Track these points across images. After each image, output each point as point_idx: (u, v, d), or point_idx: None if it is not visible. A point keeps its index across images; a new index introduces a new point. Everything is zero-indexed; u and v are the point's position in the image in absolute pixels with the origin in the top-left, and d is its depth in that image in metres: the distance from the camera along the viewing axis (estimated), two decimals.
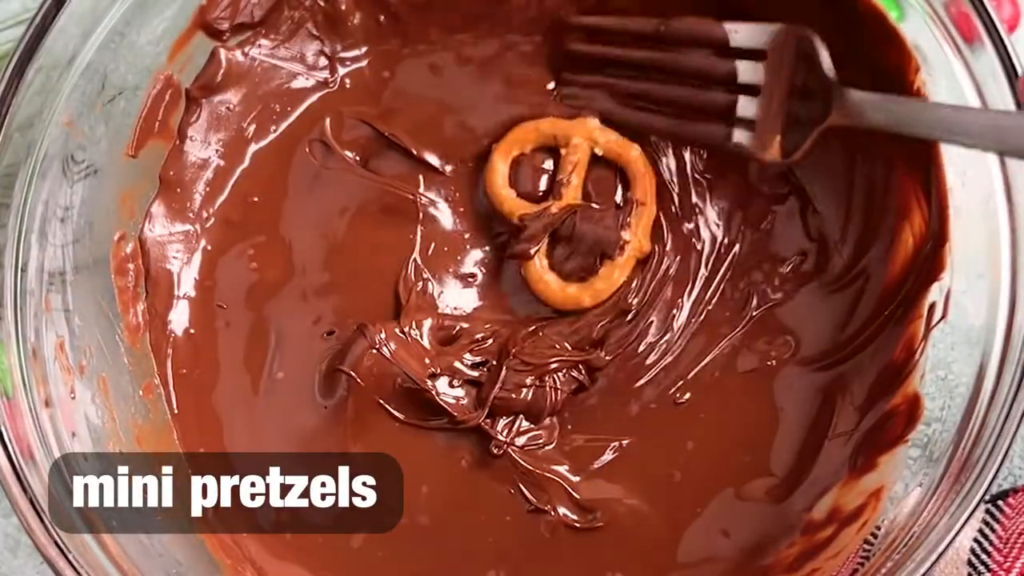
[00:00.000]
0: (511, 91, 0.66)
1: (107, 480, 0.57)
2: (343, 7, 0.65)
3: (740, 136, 0.58)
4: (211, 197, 0.66)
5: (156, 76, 0.62)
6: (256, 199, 0.66)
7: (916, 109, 0.52)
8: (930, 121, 0.51)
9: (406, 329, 0.63)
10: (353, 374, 0.62)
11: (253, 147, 0.66)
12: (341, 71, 0.67)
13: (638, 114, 0.62)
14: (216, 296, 0.65)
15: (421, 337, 0.63)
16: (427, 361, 0.63)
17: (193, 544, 0.60)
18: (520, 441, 0.62)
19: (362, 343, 0.62)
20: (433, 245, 0.65)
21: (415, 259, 0.65)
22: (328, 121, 0.67)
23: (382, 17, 0.66)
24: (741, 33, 0.58)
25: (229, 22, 0.63)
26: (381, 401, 0.62)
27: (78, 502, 0.54)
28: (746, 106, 0.58)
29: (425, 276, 0.65)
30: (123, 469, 0.58)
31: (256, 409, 0.63)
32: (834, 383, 0.61)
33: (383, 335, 0.62)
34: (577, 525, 0.61)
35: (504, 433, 0.62)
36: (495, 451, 0.62)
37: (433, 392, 0.62)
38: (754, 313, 0.63)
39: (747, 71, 0.58)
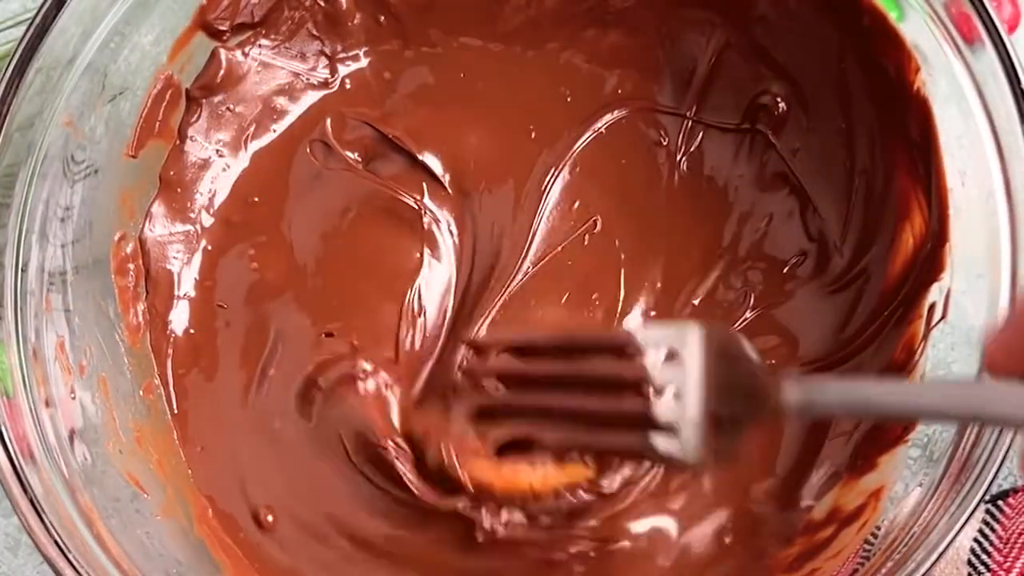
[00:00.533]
0: (512, 92, 0.67)
1: (107, 480, 0.57)
2: (343, 7, 0.66)
3: (664, 444, 0.49)
4: (211, 197, 0.66)
5: (156, 76, 0.62)
6: (256, 199, 0.66)
7: (870, 392, 0.46)
8: (891, 404, 0.46)
9: (391, 387, 0.62)
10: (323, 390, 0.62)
11: (253, 147, 0.66)
12: (342, 72, 0.67)
13: (555, 434, 0.52)
14: (216, 296, 0.65)
15: (412, 387, 0.63)
16: (397, 420, 0.62)
17: (193, 544, 0.60)
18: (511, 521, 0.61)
19: (344, 366, 0.62)
20: (430, 277, 0.65)
21: (419, 287, 0.64)
22: (329, 122, 0.67)
23: (382, 17, 0.66)
24: (651, 336, 0.50)
25: (229, 22, 0.63)
26: (342, 436, 0.62)
27: (78, 502, 0.54)
28: (666, 409, 0.48)
29: (423, 319, 0.64)
30: (123, 469, 0.58)
31: (250, 407, 0.64)
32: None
33: (369, 368, 0.62)
34: (593, 554, 0.61)
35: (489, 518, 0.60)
36: (479, 537, 0.60)
37: (392, 457, 0.61)
38: (748, 314, 0.63)
39: (663, 373, 0.49)
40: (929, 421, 0.49)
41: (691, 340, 0.48)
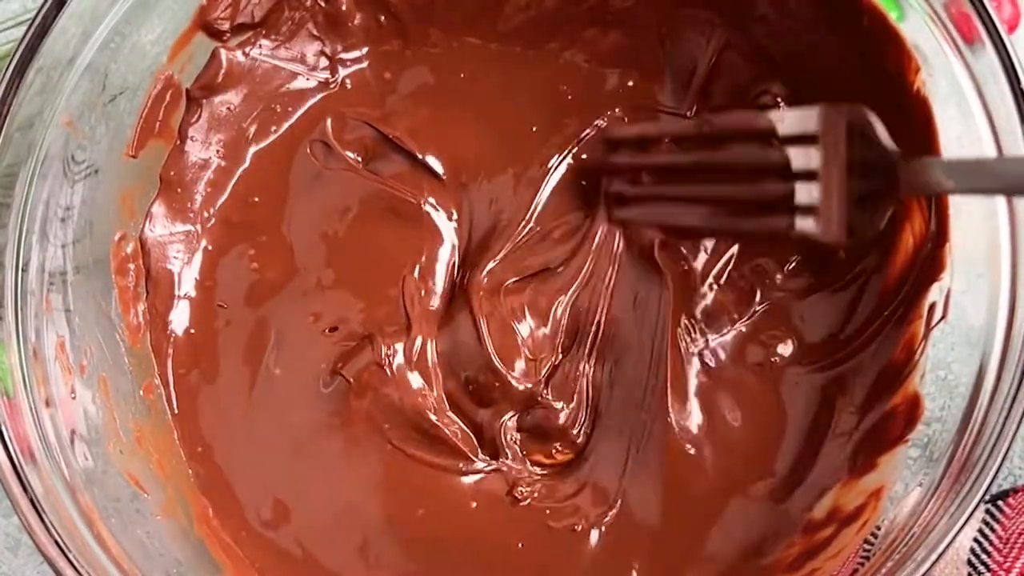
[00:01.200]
0: (512, 92, 0.67)
1: (107, 480, 0.57)
2: (344, 7, 0.65)
3: (803, 224, 0.55)
4: (212, 197, 0.66)
5: (157, 76, 0.62)
6: (257, 199, 0.66)
7: (987, 165, 0.50)
8: (1007, 174, 0.49)
9: (415, 348, 0.63)
10: (351, 381, 0.62)
11: (254, 147, 0.66)
12: (342, 72, 0.67)
13: (696, 216, 0.60)
14: (217, 296, 0.65)
15: (428, 360, 0.63)
16: (431, 391, 0.63)
17: (193, 544, 0.60)
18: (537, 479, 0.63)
19: (367, 356, 0.62)
20: (433, 255, 0.65)
21: (419, 266, 0.65)
22: (329, 122, 0.67)
23: (382, 17, 0.66)
24: (788, 121, 0.56)
25: (229, 22, 0.63)
26: (376, 420, 0.62)
27: (78, 502, 0.54)
28: (805, 193, 0.54)
29: (430, 285, 0.65)
30: (123, 469, 0.58)
31: (253, 406, 0.63)
32: (834, 383, 0.61)
33: (390, 350, 0.62)
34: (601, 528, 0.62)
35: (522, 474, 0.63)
36: (519, 497, 0.62)
37: (441, 426, 0.62)
38: (747, 315, 0.63)
39: (800, 157, 0.55)
40: None
41: (827, 122, 0.53)
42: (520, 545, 0.62)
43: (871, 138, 0.53)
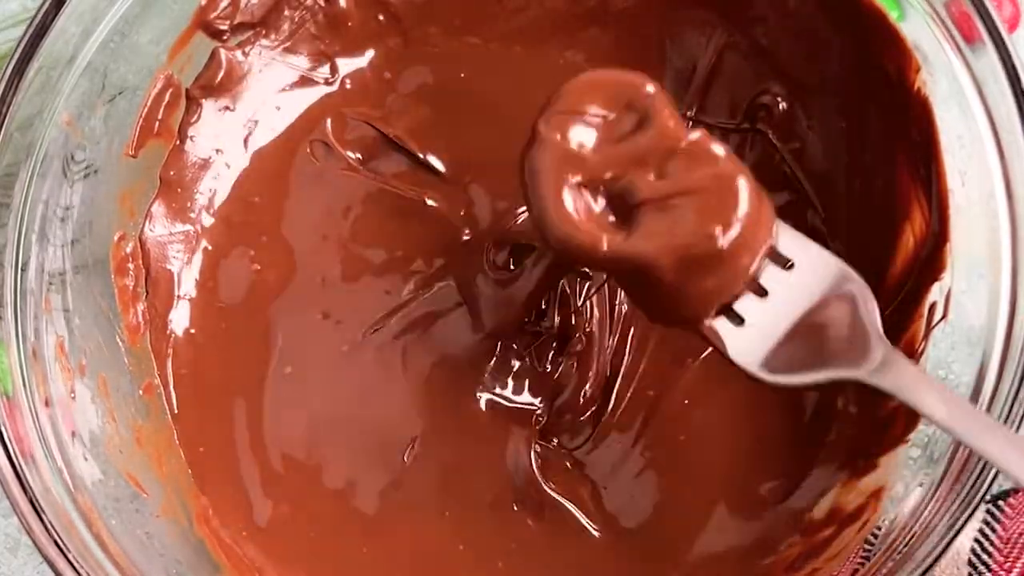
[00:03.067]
0: (513, 92, 0.67)
1: (107, 480, 0.57)
2: (343, 7, 0.65)
3: (722, 327, 0.51)
4: (212, 197, 0.66)
5: (156, 76, 0.62)
6: (257, 199, 0.66)
7: (935, 410, 0.48)
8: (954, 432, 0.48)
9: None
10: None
11: (253, 147, 0.66)
12: (342, 71, 0.67)
13: None
14: (217, 296, 0.65)
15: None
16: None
17: (193, 544, 0.60)
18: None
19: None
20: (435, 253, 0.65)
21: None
22: (329, 122, 0.67)
23: (382, 17, 0.66)
24: (788, 244, 0.52)
25: (229, 22, 0.63)
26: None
27: (78, 502, 0.54)
28: (751, 304, 0.51)
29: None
30: (123, 469, 0.58)
31: (264, 406, 0.63)
32: (834, 383, 0.61)
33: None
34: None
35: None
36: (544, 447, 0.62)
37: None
38: None
39: (772, 276, 0.51)
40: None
41: (818, 267, 0.51)
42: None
43: (856, 314, 0.51)
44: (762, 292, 0.51)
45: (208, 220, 0.65)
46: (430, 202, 0.65)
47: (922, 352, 0.57)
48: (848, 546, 0.56)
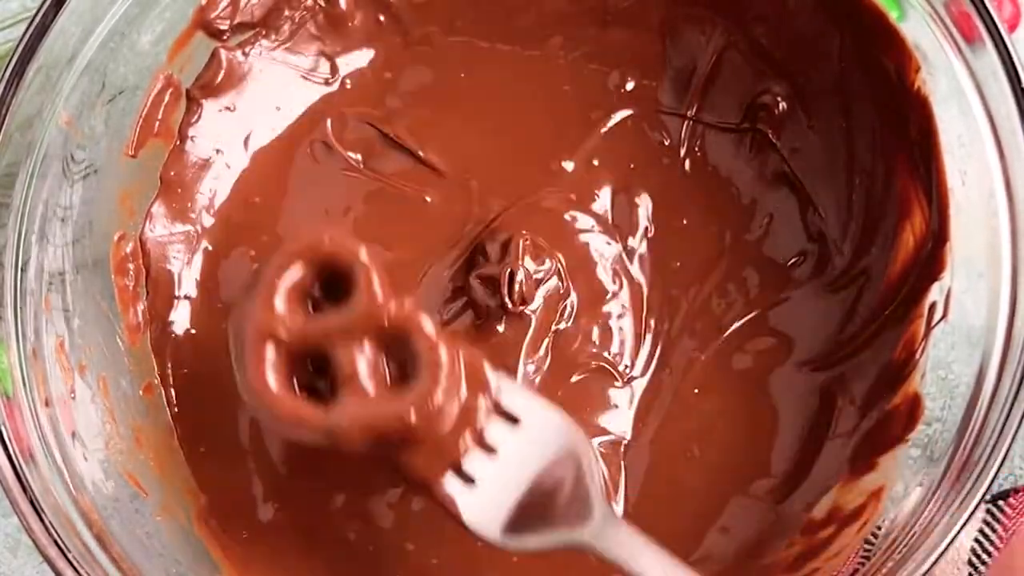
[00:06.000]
0: (513, 91, 0.67)
1: (107, 480, 0.57)
2: (343, 7, 0.66)
3: (456, 489, 0.52)
4: (212, 197, 0.66)
5: (156, 76, 0.62)
6: (257, 200, 0.66)
7: None
8: None
9: None
10: None
11: (254, 147, 0.66)
12: (342, 71, 0.67)
13: None
14: (217, 296, 0.65)
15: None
16: None
17: (193, 544, 0.60)
18: None
19: None
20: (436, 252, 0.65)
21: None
22: (329, 122, 0.67)
23: (383, 17, 0.66)
24: (514, 400, 0.52)
25: (229, 22, 0.63)
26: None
27: (78, 502, 0.54)
28: (477, 461, 0.51)
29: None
30: (123, 469, 0.58)
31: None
32: (834, 383, 0.61)
33: None
34: None
35: None
36: None
37: None
38: (746, 315, 0.63)
39: (498, 434, 0.52)
40: None
41: (545, 423, 0.50)
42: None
43: (579, 476, 0.51)
44: (490, 449, 0.51)
45: (208, 220, 0.65)
46: (431, 200, 0.65)
47: (922, 352, 0.57)
48: (848, 546, 0.56)
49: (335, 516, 0.62)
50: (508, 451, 0.50)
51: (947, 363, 0.56)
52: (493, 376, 0.51)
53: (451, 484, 0.51)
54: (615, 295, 0.64)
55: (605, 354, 0.63)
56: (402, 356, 0.49)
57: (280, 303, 0.50)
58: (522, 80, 0.67)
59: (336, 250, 0.50)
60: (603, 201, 0.65)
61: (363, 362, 0.49)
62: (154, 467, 0.60)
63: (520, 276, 0.61)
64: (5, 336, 0.55)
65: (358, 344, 0.49)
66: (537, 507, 0.51)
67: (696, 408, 0.62)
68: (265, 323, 0.50)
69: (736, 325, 0.63)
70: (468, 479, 0.50)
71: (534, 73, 0.67)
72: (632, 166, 0.65)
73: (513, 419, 0.51)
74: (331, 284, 0.51)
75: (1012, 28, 0.67)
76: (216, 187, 0.66)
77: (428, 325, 0.49)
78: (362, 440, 0.49)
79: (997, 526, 0.61)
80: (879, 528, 0.55)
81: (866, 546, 0.55)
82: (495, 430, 0.51)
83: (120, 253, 0.62)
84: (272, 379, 0.49)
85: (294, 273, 0.50)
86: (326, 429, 0.49)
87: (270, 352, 0.50)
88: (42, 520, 0.52)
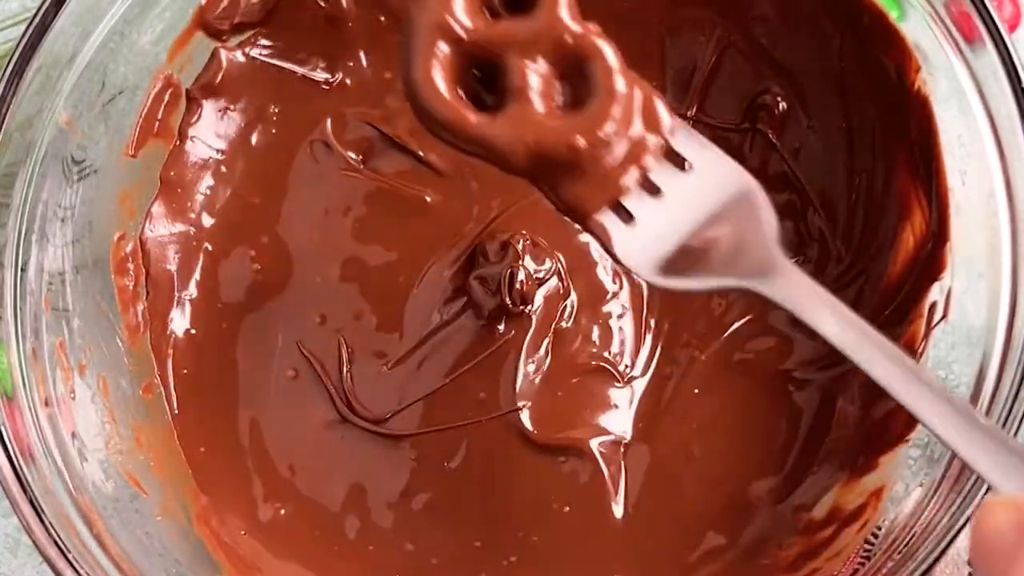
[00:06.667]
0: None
1: (107, 480, 0.57)
2: (343, 7, 0.65)
3: (614, 227, 0.48)
4: (212, 197, 0.66)
5: (156, 76, 0.62)
6: (257, 200, 0.66)
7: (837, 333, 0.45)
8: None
9: None
10: None
11: (254, 147, 0.66)
12: (342, 71, 0.67)
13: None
14: (217, 296, 0.65)
15: None
16: None
17: (193, 544, 0.60)
18: None
19: None
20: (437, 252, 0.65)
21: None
22: (329, 121, 0.67)
23: (382, 17, 0.66)
24: (687, 144, 0.49)
25: (229, 22, 0.63)
26: None
27: (78, 502, 0.54)
28: (638, 205, 0.48)
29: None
30: (123, 469, 0.58)
31: (265, 406, 0.63)
32: (834, 383, 0.61)
33: None
34: None
35: None
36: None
37: None
38: (747, 314, 0.63)
39: (665, 176, 0.48)
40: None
41: (718, 172, 0.48)
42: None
43: (754, 224, 0.47)
44: (655, 191, 0.48)
45: (208, 220, 0.65)
46: (430, 201, 0.65)
47: (922, 352, 0.57)
48: (848, 546, 0.56)
49: (335, 516, 0.62)
50: (674, 194, 0.48)
51: (947, 363, 0.56)
52: (668, 117, 0.48)
53: (607, 217, 0.48)
54: (615, 295, 0.64)
55: (605, 354, 0.63)
56: (578, 82, 0.47)
57: (460, 1, 0.47)
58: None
59: None
60: None
61: (537, 77, 0.46)
62: (154, 467, 0.60)
63: (520, 276, 0.61)
64: (5, 336, 0.55)
65: (535, 59, 0.46)
66: (701, 252, 0.48)
67: (696, 408, 0.62)
68: (442, 16, 0.46)
69: (736, 325, 0.63)
70: (627, 216, 0.48)
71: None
72: None
73: (683, 164, 0.48)
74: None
75: (1012, 28, 0.67)
76: (216, 187, 0.66)
77: (610, 53, 0.47)
78: (522, 156, 0.46)
79: None
80: (879, 528, 0.55)
81: (866, 546, 0.55)
82: (663, 173, 0.48)
83: (120, 253, 0.62)
84: (439, 76, 0.47)
85: None
86: (487, 138, 0.46)
87: (442, 48, 0.46)
88: (42, 520, 0.52)
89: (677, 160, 0.48)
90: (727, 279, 0.47)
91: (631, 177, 0.47)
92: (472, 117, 0.46)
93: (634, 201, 0.48)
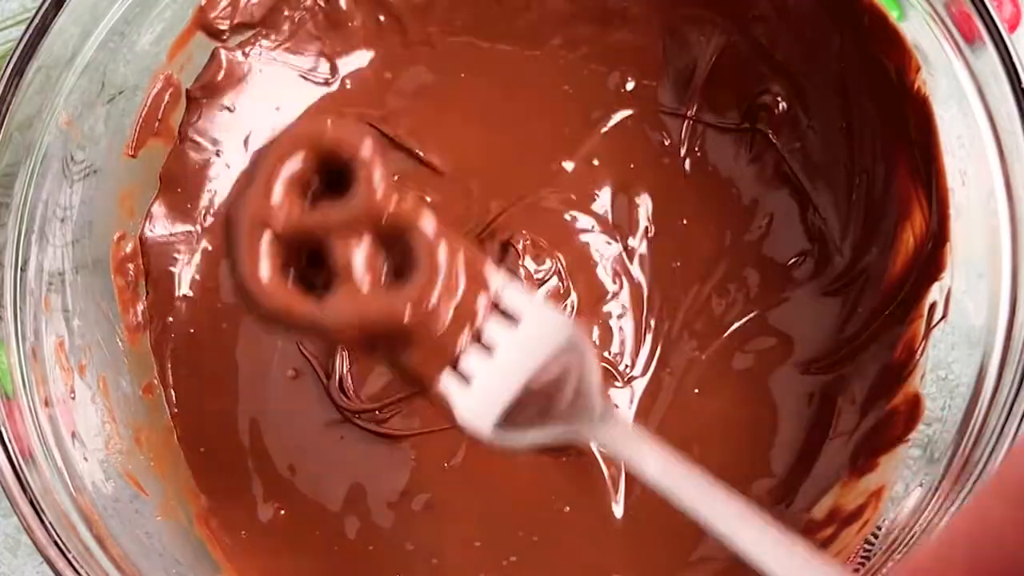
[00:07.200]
0: (513, 92, 0.67)
1: (107, 480, 0.57)
2: (343, 7, 0.66)
3: (452, 388, 0.48)
4: (211, 197, 0.66)
5: (156, 76, 0.62)
6: None
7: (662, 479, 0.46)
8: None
9: None
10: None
11: (254, 147, 0.66)
12: (342, 72, 0.67)
13: None
14: (217, 296, 0.65)
15: None
16: None
17: (193, 544, 0.60)
18: None
19: None
20: None
21: None
22: (329, 122, 0.66)
23: (382, 17, 0.66)
24: (514, 299, 0.49)
25: (229, 22, 0.63)
26: None
27: (78, 502, 0.54)
28: (474, 364, 0.48)
29: None
30: (123, 469, 0.58)
31: (264, 406, 0.63)
32: (834, 383, 0.61)
33: None
34: None
35: None
36: None
37: None
38: (747, 315, 0.63)
39: (496, 332, 0.49)
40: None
41: (544, 323, 0.48)
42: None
43: (580, 372, 0.48)
44: (488, 347, 0.49)
45: (208, 220, 0.65)
46: (430, 201, 0.65)
47: (922, 352, 0.57)
48: (848, 546, 0.56)
49: (335, 516, 0.62)
50: (505, 349, 0.48)
51: (947, 363, 0.56)
52: (495, 277, 0.49)
53: (447, 382, 0.48)
54: (615, 295, 0.64)
55: (605, 354, 0.63)
56: (401, 254, 0.48)
57: (278, 193, 0.47)
58: (522, 80, 0.67)
59: (338, 142, 0.48)
60: (603, 201, 0.65)
61: (360, 257, 0.47)
62: (154, 467, 0.60)
63: (520, 276, 0.61)
64: (5, 336, 0.55)
65: (356, 239, 0.47)
66: (534, 405, 0.49)
67: (696, 408, 0.62)
68: (261, 211, 0.47)
69: (736, 325, 0.63)
70: (464, 377, 0.48)
71: (534, 73, 0.67)
72: (632, 166, 0.66)
73: (513, 318, 0.49)
74: (333, 177, 0.48)
75: (1012, 28, 0.67)
76: (216, 187, 0.66)
77: (428, 223, 0.47)
78: (353, 336, 0.47)
79: None
80: (879, 528, 0.55)
81: (866, 546, 0.55)
82: (494, 328, 0.49)
83: (120, 253, 0.62)
84: (265, 269, 0.47)
85: (294, 163, 0.48)
86: (316, 321, 0.47)
87: (265, 242, 0.47)
88: (42, 520, 0.52)
89: (507, 314, 0.49)
90: (557, 428, 0.48)
91: (464, 338, 0.48)
92: (299, 305, 0.47)
93: (470, 360, 0.48)
